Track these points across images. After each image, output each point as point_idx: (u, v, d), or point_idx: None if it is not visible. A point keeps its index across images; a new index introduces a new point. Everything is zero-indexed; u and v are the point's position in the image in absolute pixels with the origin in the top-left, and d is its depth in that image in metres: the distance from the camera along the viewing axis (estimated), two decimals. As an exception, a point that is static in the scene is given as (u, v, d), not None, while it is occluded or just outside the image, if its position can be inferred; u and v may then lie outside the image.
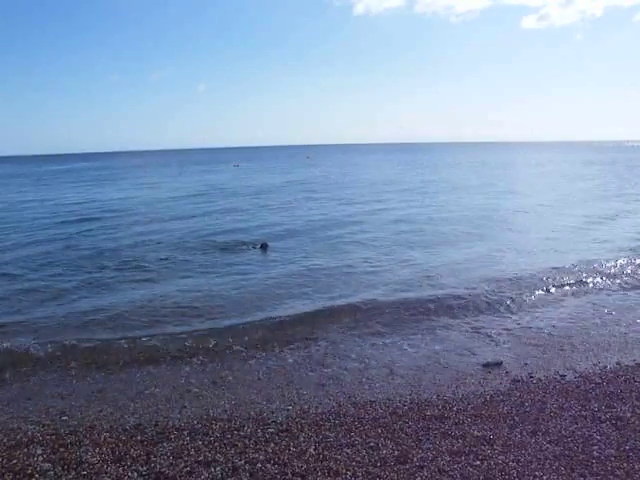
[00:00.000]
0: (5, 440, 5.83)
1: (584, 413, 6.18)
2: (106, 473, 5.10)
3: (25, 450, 5.57)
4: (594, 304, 10.81)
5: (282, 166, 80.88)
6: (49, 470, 5.13)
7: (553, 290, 11.84)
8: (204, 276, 13.80)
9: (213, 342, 9.03)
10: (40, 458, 5.37)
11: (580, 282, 12.39)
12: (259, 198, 33.02)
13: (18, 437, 5.90)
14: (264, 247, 17.49)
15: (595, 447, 5.41)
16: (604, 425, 5.87)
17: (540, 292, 11.69)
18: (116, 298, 11.84)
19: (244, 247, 17.75)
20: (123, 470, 5.15)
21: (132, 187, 45.38)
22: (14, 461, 5.32)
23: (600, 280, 12.56)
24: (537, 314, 10.33)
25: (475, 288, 11.97)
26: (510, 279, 12.72)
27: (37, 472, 5.10)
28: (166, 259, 15.96)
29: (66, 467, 5.20)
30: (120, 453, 5.49)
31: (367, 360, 8.21)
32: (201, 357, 8.48)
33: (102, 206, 30.11)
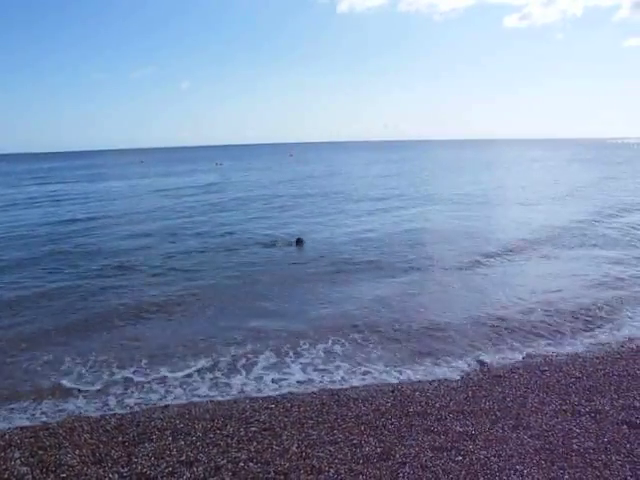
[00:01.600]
0: (-18, 444, 5.73)
1: (564, 407, 6.26)
2: (86, 475, 5.05)
3: (2, 454, 5.47)
4: (580, 303, 10.83)
5: (267, 165, 79.81)
6: (27, 474, 5.06)
7: (541, 288, 11.92)
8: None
9: (200, 340, 8.97)
10: (18, 462, 5.29)
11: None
12: (251, 200, 31.47)
13: (-5, 441, 5.80)
14: (300, 243, 16.90)
15: (575, 440, 5.49)
16: (584, 418, 5.95)
17: (528, 289, 11.78)
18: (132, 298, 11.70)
19: (278, 244, 17.19)
20: (104, 471, 5.11)
21: (127, 186, 44.09)
22: (-10, 465, 5.24)
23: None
24: (521, 311, 10.38)
25: (466, 287, 12.06)
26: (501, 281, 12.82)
27: (14, 476, 5.01)
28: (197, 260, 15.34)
29: (45, 470, 5.14)
30: (101, 454, 5.44)
31: (351, 359, 8.20)
32: (186, 357, 8.40)
33: (96, 208, 29.43)
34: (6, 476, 5.03)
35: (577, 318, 9.81)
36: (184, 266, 14.58)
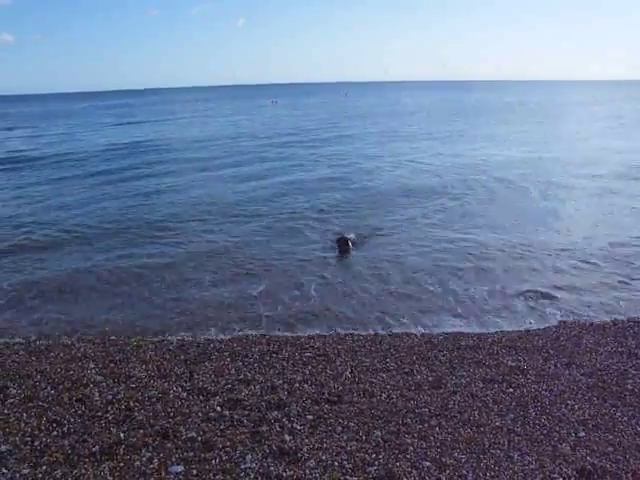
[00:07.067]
0: (62, 354, 6.28)
1: (620, 349, 6.18)
2: (153, 387, 5.43)
3: (79, 364, 5.97)
4: None
5: (322, 102, 78.15)
6: (102, 382, 5.51)
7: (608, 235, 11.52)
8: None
9: (252, 269, 9.29)
10: (93, 371, 5.77)
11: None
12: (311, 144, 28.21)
13: (73, 352, 6.32)
14: (342, 248, 10.21)
15: (629, 381, 5.44)
16: (640, 361, 5.87)
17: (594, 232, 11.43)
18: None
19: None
20: (168, 385, 5.48)
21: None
22: (70, 372, 5.74)
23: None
24: (583, 254, 10.11)
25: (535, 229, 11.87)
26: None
27: (91, 382, 5.48)
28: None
29: (116, 380, 5.56)
30: (165, 370, 5.83)
31: (405, 290, 8.31)
32: (239, 284, 8.75)
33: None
34: (85, 382, 5.52)
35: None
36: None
